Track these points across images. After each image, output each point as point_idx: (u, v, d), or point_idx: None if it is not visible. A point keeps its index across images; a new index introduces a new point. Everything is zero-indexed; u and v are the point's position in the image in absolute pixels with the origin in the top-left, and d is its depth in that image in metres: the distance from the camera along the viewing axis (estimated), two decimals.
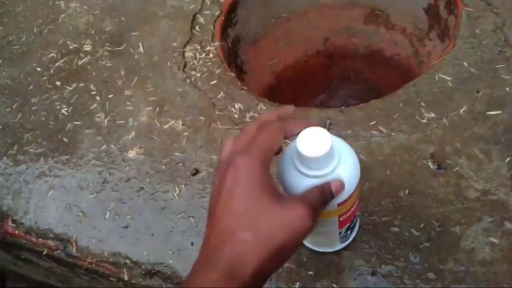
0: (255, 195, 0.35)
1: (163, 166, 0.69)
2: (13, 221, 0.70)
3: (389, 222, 0.57)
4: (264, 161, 0.38)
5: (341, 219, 0.48)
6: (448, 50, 0.75)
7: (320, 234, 0.52)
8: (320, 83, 1.28)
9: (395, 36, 1.13)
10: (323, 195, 0.40)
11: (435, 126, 0.65)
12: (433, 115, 0.66)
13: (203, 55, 0.83)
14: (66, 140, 0.76)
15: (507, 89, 0.66)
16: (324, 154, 0.41)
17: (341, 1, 1.14)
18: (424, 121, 0.65)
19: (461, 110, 0.65)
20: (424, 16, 1.02)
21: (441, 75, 0.70)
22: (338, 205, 0.45)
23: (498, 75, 0.68)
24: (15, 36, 0.96)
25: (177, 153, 0.70)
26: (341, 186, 0.42)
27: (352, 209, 0.48)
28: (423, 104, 0.67)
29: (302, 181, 0.43)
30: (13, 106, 0.84)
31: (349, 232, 0.53)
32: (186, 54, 0.84)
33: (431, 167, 0.61)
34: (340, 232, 0.51)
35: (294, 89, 1.25)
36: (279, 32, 1.15)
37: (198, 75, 0.80)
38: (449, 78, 0.70)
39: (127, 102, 0.78)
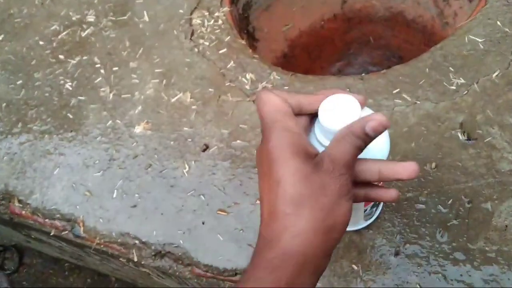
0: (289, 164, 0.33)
1: (172, 142, 0.65)
2: (19, 201, 0.68)
3: (414, 199, 0.53)
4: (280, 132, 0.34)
5: None
6: (479, 8, 0.68)
7: None
8: (337, 49, 1.22)
9: None
10: (356, 145, 0.34)
11: (464, 93, 0.59)
12: (462, 80, 0.60)
13: (212, 22, 0.78)
14: (71, 117, 0.73)
15: None
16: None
17: None
18: (453, 87, 0.60)
19: (494, 75, 0.59)
20: None
21: (471, 37, 0.64)
22: None
23: None
24: (17, 9, 0.91)
25: (186, 128, 0.66)
26: (380, 121, 0.34)
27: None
28: (452, 69, 0.61)
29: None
30: (17, 82, 0.80)
31: (374, 209, 0.49)
32: (194, 21, 0.78)
33: (461, 138, 0.55)
34: (365, 210, 0.47)
35: (310, 57, 1.18)
36: None
37: (207, 43, 0.75)
38: (480, 40, 0.63)
39: (132, 75, 0.74)
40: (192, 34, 0.77)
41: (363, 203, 0.45)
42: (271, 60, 1.10)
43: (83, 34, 0.83)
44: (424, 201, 0.52)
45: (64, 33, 0.84)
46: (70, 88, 0.76)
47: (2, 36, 0.88)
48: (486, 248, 0.48)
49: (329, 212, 0.32)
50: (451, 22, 1.00)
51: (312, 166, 0.33)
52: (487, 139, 0.55)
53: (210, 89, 0.69)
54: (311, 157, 0.34)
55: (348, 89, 0.63)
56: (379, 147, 0.40)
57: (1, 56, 0.85)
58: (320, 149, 0.37)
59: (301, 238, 0.31)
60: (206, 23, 0.77)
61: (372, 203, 0.46)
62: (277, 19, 1.08)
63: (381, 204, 0.51)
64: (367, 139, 0.34)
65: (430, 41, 1.08)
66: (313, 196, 0.32)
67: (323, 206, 0.32)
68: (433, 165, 0.54)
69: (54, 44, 0.83)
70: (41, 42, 0.85)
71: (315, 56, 1.19)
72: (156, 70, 0.74)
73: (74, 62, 0.79)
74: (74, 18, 0.86)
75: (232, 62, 0.72)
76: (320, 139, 0.37)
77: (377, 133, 0.33)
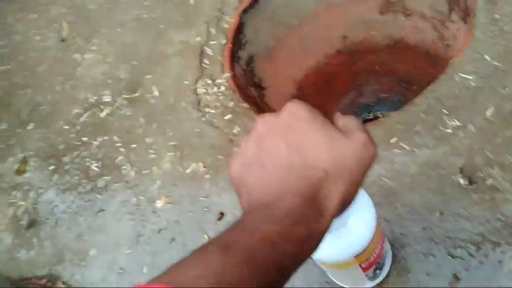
0: (321, 129, 0.32)
1: (190, 213, 0.70)
2: (63, 282, 0.74)
3: (422, 251, 0.54)
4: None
5: (363, 265, 0.46)
6: (466, 43, 0.69)
7: (346, 278, 0.51)
8: (346, 82, 1.24)
9: (416, 22, 1.07)
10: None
11: (461, 135, 0.60)
12: (457, 122, 0.62)
13: (215, 89, 0.83)
14: (100, 197, 0.79)
15: None
16: None
17: None
18: (449, 130, 0.61)
19: (488, 113, 0.61)
20: None
21: (461, 75, 0.65)
22: (355, 257, 0.44)
23: None
24: (41, 97, 1.00)
25: (202, 198, 0.71)
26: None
27: (374, 254, 0.46)
28: (446, 112, 0.63)
29: None
30: (49, 168, 0.88)
31: (378, 271, 0.51)
32: (199, 90, 0.84)
33: (462, 182, 0.57)
34: (367, 274, 0.49)
35: (320, 94, 1.21)
36: (293, 40, 1.12)
37: (213, 111, 0.80)
38: (470, 77, 0.65)
39: (149, 150, 0.80)
40: (199, 103, 0.82)
41: (361, 271, 0.47)
42: (282, 104, 1.14)
43: (102, 115, 0.90)
44: (433, 253, 0.54)
45: (85, 115, 0.92)
46: (96, 169, 0.83)
47: (33, 124, 0.96)
48: None
49: None
50: (452, 44, 1.01)
51: None
52: (489, 182, 0.56)
53: (220, 156, 0.74)
54: None
55: None
56: (365, 222, 0.43)
57: (33, 144, 0.93)
58: None
59: None
60: (210, 91, 0.83)
61: (373, 266, 0.48)
62: (281, 65, 1.12)
63: (387, 264, 0.53)
64: None
65: (435, 63, 1.09)
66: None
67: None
68: (438, 214, 0.56)
69: (78, 127, 0.91)
70: (65, 127, 0.92)
71: (325, 92, 1.22)
72: (170, 143, 0.79)
73: (97, 143, 0.86)
74: (92, 100, 0.94)
75: (237, 127, 0.76)
76: None
77: None
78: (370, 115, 1.28)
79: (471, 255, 0.52)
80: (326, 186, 0.30)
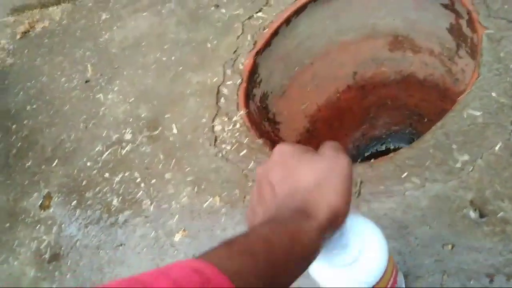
0: (302, 159, 0.40)
1: (207, 248, 0.72)
2: None
3: (435, 283, 0.55)
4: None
5: None
6: (472, 81, 0.72)
7: None
8: (357, 116, 1.27)
9: (424, 58, 1.11)
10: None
11: (470, 169, 0.62)
12: (466, 157, 0.63)
13: (231, 127, 0.86)
14: (121, 231, 0.82)
15: None
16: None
17: (361, 34, 1.13)
18: (458, 165, 0.63)
19: (497, 148, 0.62)
20: (449, 35, 0.99)
21: (469, 111, 0.68)
22: None
23: None
24: (65, 134, 1.05)
25: (218, 231, 0.73)
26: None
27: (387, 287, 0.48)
28: (454, 147, 0.65)
29: (328, 271, 0.44)
30: (72, 203, 0.92)
31: None
32: (215, 128, 0.88)
33: (473, 216, 0.58)
34: None
35: (331, 128, 1.24)
36: (306, 78, 1.17)
37: (229, 147, 0.83)
38: (478, 113, 0.67)
39: (168, 186, 0.83)
40: (216, 140, 0.86)
41: None
42: (295, 138, 1.17)
43: (123, 152, 0.94)
44: (446, 285, 0.54)
45: (107, 152, 0.96)
46: (117, 204, 0.86)
47: (56, 161, 1.01)
48: None
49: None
50: (461, 78, 1.04)
51: None
52: (500, 214, 0.57)
53: (235, 191, 0.77)
54: None
55: (359, 178, 0.68)
56: (377, 256, 0.44)
57: (57, 180, 0.98)
58: (325, 267, 0.43)
59: None
60: (226, 128, 0.86)
61: None
62: (294, 101, 1.16)
63: None
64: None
65: (445, 96, 1.12)
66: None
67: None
68: (450, 246, 0.57)
69: (100, 164, 0.95)
70: (88, 163, 0.97)
71: (336, 126, 1.25)
72: (188, 179, 0.82)
73: (118, 179, 0.90)
74: (114, 138, 0.98)
75: (252, 162, 0.79)
76: (322, 260, 0.43)
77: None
78: (382, 147, 1.30)
79: (485, 287, 0.53)
80: (311, 200, 0.37)
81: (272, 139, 1.02)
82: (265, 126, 1.05)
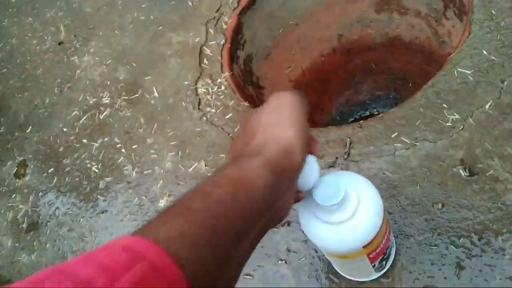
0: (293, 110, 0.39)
1: None
2: None
3: (426, 241, 0.55)
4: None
5: (370, 256, 0.47)
6: (463, 39, 0.70)
7: (353, 269, 0.51)
8: (342, 80, 1.25)
9: (411, 20, 1.08)
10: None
11: (460, 128, 0.61)
12: (457, 116, 0.62)
13: (215, 89, 0.83)
14: (102, 198, 0.79)
15: None
16: (338, 203, 0.40)
17: None
18: (449, 124, 0.62)
19: (487, 106, 0.62)
20: None
21: (459, 69, 0.66)
22: (363, 247, 0.44)
23: None
24: (39, 99, 1.00)
25: None
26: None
27: (381, 245, 0.47)
28: (445, 106, 0.64)
29: (325, 229, 0.43)
30: (49, 171, 0.88)
31: (384, 262, 0.51)
32: (199, 90, 0.84)
33: (463, 174, 0.58)
34: (374, 265, 0.50)
35: (316, 92, 1.22)
36: (290, 40, 1.13)
37: (213, 110, 0.80)
38: (469, 72, 0.66)
39: (151, 151, 0.80)
40: (199, 103, 0.82)
41: (368, 262, 0.48)
42: None
43: (101, 117, 0.90)
44: (436, 243, 0.54)
45: (84, 117, 0.92)
46: (97, 171, 0.83)
47: (31, 127, 0.96)
48: (505, 286, 0.50)
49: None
50: (447, 40, 1.03)
51: None
52: (489, 172, 0.57)
53: (222, 155, 0.74)
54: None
55: (349, 138, 0.66)
56: (374, 213, 0.43)
57: (31, 147, 0.93)
58: (319, 223, 0.42)
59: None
60: (210, 91, 0.83)
61: (380, 257, 0.49)
62: (278, 64, 1.13)
63: (392, 254, 0.54)
64: None
65: (430, 60, 1.11)
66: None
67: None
68: (440, 205, 0.56)
69: (77, 130, 0.91)
70: (64, 129, 0.92)
71: (321, 90, 1.23)
72: (171, 143, 0.79)
73: (97, 144, 0.86)
74: (91, 102, 0.94)
75: (238, 125, 0.76)
76: (318, 214, 0.41)
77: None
78: (366, 112, 1.29)
79: (474, 244, 0.53)
80: (261, 139, 0.37)
81: (256, 103, 1.00)
82: (249, 90, 1.02)
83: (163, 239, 0.26)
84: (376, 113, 1.28)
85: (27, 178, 0.89)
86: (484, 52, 0.66)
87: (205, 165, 0.74)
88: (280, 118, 0.38)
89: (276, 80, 1.14)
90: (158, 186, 0.75)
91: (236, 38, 0.95)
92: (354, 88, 1.27)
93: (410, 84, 1.19)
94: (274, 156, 0.35)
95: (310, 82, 1.20)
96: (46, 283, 0.23)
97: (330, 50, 1.20)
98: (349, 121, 1.28)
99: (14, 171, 0.92)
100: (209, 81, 0.85)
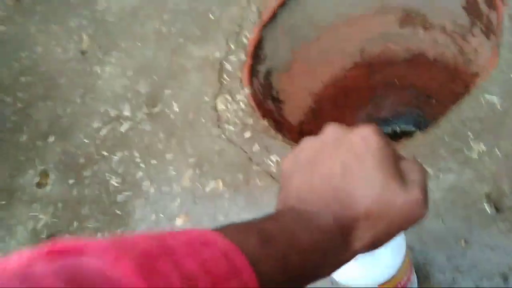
0: (382, 166, 0.30)
1: None
2: None
3: (448, 280, 0.53)
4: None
5: None
6: (491, 63, 0.68)
7: None
8: (363, 95, 1.23)
9: (435, 35, 1.06)
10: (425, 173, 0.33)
11: (487, 160, 0.59)
12: (483, 147, 0.60)
13: (235, 106, 0.83)
14: (120, 213, 0.80)
15: None
16: None
17: (371, 8, 1.08)
18: (474, 155, 0.60)
19: None
20: (463, 12, 0.94)
21: (486, 96, 0.64)
22: (379, 285, 0.43)
23: None
24: (61, 109, 1.01)
25: (221, 218, 0.71)
26: None
27: (399, 285, 0.46)
28: (471, 135, 0.62)
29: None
30: (69, 182, 0.89)
31: None
32: (218, 107, 0.84)
33: (488, 210, 0.56)
34: None
35: (337, 106, 1.21)
36: (311, 53, 1.12)
37: (232, 128, 0.80)
38: (496, 99, 0.64)
39: (169, 167, 0.80)
40: (219, 119, 0.82)
41: None
42: (299, 117, 1.13)
43: (122, 129, 0.91)
44: (458, 283, 0.53)
45: (105, 129, 0.93)
46: (116, 184, 0.83)
47: (54, 137, 0.98)
48: None
49: None
50: (473, 58, 1.00)
51: None
52: None
53: (239, 175, 0.74)
54: None
55: None
56: (395, 252, 0.42)
57: (54, 157, 0.94)
58: None
59: None
60: (229, 107, 0.83)
61: None
62: (298, 78, 1.12)
63: None
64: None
65: (455, 77, 1.08)
66: None
67: None
68: (463, 242, 0.55)
69: (97, 141, 0.92)
70: (85, 140, 0.93)
71: (342, 104, 1.21)
72: (190, 160, 0.79)
73: (117, 158, 0.87)
74: (112, 114, 0.94)
75: (257, 144, 0.76)
76: None
77: None
78: (389, 129, 1.27)
79: (499, 285, 0.51)
80: (361, 226, 0.30)
81: (275, 118, 0.99)
82: (268, 104, 1.01)
83: (255, 261, 0.25)
84: (399, 130, 1.25)
85: (48, 188, 0.91)
86: None
87: (223, 185, 0.74)
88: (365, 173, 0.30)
89: (297, 94, 1.13)
90: (176, 204, 0.76)
91: (257, 53, 0.95)
92: (376, 103, 1.25)
93: (434, 101, 1.16)
94: (367, 244, 0.31)
95: (331, 96, 1.18)
96: (158, 261, 0.22)
97: (352, 64, 1.18)
98: None
99: (36, 180, 0.93)
100: (229, 97, 0.84)
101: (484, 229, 0.55)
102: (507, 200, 0.56)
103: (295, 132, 1.08)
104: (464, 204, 0.57)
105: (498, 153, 0.59)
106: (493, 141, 0.60)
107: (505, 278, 0.51)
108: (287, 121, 1.08)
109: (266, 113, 0.90)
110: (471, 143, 0.62)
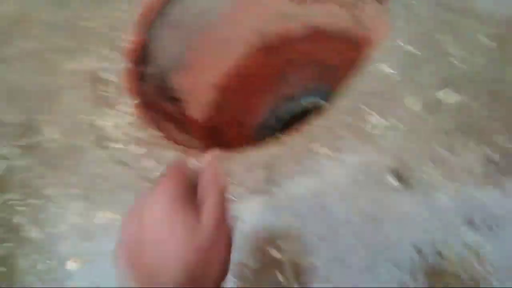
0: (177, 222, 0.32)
1: (108, 275, 0.60)
2: None
3: (367, 262, 0.48)
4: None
5: None
6: (382, 32, 0.64)
7: None
8: (269, 79, 1.17)
9: (331, 8, 1.02)
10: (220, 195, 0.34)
11: (386, 132, 0.55)
12: (381, 119, 0.56)
13: (119, 120, 0.73)
14: (5, 269, 0.67)
15: (456, 63, 0.55)
16: None
17: None
18: (374, 130, 0.55)
19: (412, 104, 0.55)
20: None
21: (378, 66, 0.60)
22: None
23: (445, 50, 0.57)
24: None
25: None
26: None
27: None
28: (367, 109, 0.57)
29: None
30: None
31: None
32: (99, 124, 0.73)
33: (394, 184, 0.51)
34: None
35: (243, 95, 1.14)
36: (209, 45, 1.04)
37: (118, 146, 0.70)
38: (390, 70, 0.59)
39: (51, 204, 0.69)
40: (101, 139, 0.72)
41: None
42: (204, 114, 1.05)
43: None
44: (379, 264, 0.48)
45: None
46: None
47: None
48: None
49: None
50: (369, 25, 0.97)
51: None
52: (421, 178, 0.51)
53: (132, 197, 0.64)
54: None
55: (269, 159, 0.59)
56: None
57: None
58: None
59: None
60: (113, 123, 0.72)
61: None
62: (199, 73, 1.04)
63: None
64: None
65: (356, 46, 1.05)
66: None
67: None
68: (374, 221, 0.50)
69: None
70: None
71: (247, 92, 1.14)
72: (74, 191, 0.69)
73: None
74: None
75: (152, 160, 0.67)
76: None
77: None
78: (298, 106, 1.21)
79: (415, 258, 0.47)
80: (197, 270, 0.31)
81: (178, 120, 0.90)
82: (168, 107, 0.92)
83: None
84: (309, 105, 1.20)
85: None
86: (409, 47, 0.60)
87: (114, 214, 0.64)
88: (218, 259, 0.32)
89: (199, 90, 1.04)
90: (64, 246, 0.65)
91: (141, 56, 0.85)
92: (282, 84, 1.19)
93: (338, 72, 1.13)
94: None
95: (235, 85, 1.11)
96: None
97: (252, 49, 1.11)
98: (284, 120, 1.20)
99: None
100: (110, 111, 0.74)
101: (393, 203, 0.50)
102: (411, 172, 0.51)
103: (204, 129, 1.00)
104: (369, 181, 0.52)
105: (396, 122, 0.55)
106: (391, 111, 0.56)
107: (419, 250, 0.47)
108: (193, 119, 1.00)
109: (166, 118, 0.81)
110: (369, 117, 0.57)
